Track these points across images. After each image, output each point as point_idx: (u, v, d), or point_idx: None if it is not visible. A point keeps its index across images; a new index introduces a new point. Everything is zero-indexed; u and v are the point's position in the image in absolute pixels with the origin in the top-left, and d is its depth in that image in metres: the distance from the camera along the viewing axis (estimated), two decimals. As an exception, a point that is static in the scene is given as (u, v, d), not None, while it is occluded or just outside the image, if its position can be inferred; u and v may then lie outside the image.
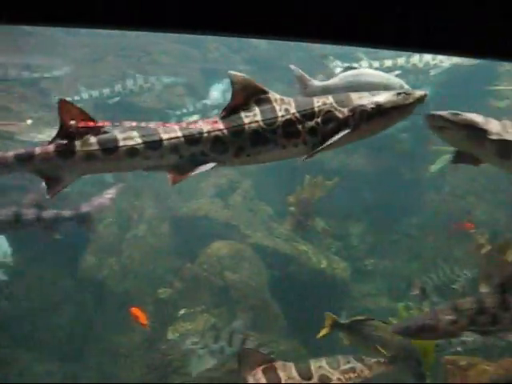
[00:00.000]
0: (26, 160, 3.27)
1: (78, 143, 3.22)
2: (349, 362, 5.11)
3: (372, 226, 10.94)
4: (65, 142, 3.21)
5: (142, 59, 11.92)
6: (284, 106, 3.20)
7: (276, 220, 10.41)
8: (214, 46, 12.35)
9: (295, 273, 9.60)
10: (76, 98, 10.50)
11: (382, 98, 3.22)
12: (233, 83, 3.26)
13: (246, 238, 9.72)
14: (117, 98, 10.83)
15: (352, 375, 5.03)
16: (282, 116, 3.18)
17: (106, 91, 10.92)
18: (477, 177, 10.02)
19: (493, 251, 7.45)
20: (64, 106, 3.16)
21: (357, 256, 10.80)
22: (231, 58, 12.59)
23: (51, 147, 3.24)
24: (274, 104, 3.18)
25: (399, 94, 3.27)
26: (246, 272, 9.19)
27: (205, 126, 3.22)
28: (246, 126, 3.19)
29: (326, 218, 10.51)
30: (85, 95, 10.78)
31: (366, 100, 3.19)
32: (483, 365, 5.85)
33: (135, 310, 8.34)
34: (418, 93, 3.33)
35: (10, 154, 3.31)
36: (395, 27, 1.68)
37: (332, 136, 3.14)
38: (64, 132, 3.20)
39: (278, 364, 4.81)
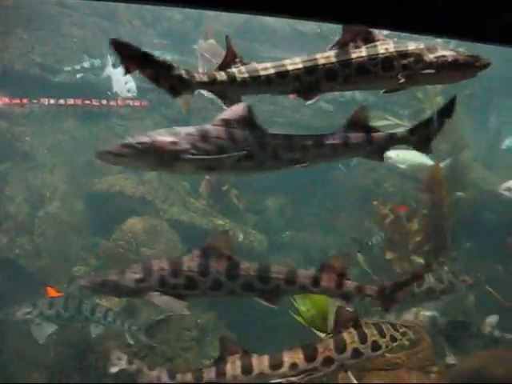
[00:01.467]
0: (209, 84, 3.77)
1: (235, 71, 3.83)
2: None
3: (288, 200, 11.15)
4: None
5: (53, 32, 11.54)
6: (384, 45, 3.82)
7: (192, 195, 10.41)
8: (127, 18, 12.09)
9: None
10: None
11: (461, 56, 3.84)
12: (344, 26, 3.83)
13: (161, 213, 9.70)
14: None
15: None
16: (382, 53, 3.81)
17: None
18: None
19: (397, 220, 7.77)
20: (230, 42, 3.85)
21: (274, 229, 10.98)
22: (145, 30, 12.39)
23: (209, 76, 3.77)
24: (377, 42, 3.81)
25: (472, 56, 3.82)
26: (161, 247, 9.19)
27: (320, 59, 3.85)
28: (354, 60, 3.82)
29: (243, 192, 10.61)
30: None
31: (448, 53, 3.85)
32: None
33: (51, 291, 8.20)
34: (485, 60, 3.85)
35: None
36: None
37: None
38: (225, 64, 3.85)
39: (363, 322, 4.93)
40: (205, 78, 3.76)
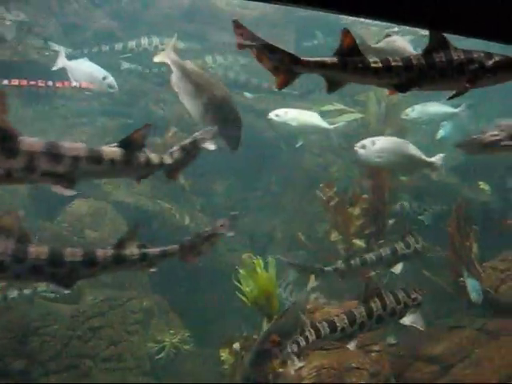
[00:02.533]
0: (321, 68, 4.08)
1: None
2: None
3: (235, 184, 11.20)
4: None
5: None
6: (457, 52, 4.40)
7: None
8: (74, -3, 11.82)
9: (158, 229, 9.66)
10: None
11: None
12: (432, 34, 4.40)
13: (107, 195, 9.61)
14: None
15: None
16: (456, 59, 4.38)
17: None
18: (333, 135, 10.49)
19: (341, 204, 7.94)
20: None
21: (221, 213, 11.01)
22: (92, 10, 12.14)
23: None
24: (451, 50, 4.38)
25: None
26: (106, 230, 9.13)
27: (415, 60, 4.32)
28: (437, 63, 4.38)
29: (189, 175, 10.60)
30: None
31: (501, 58, 4.47)
32: (327, 307, 6.31)
33: None
34: None
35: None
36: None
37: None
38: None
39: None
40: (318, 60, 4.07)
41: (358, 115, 10.37)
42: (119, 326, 8.51)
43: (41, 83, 10.12)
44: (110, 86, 10.08)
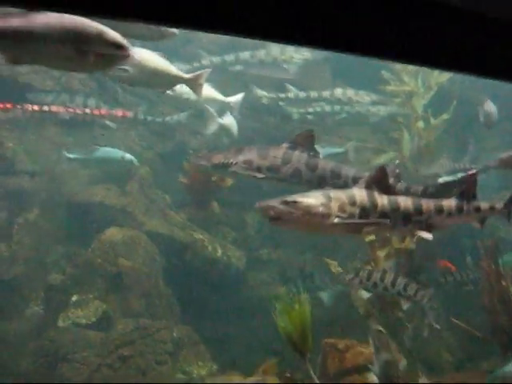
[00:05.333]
0: None
1: None
2: None
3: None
4: None
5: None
6: None
7: (173, 208, 10.45)
8: None
9: (191, 261, 9.71)
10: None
11: None
12: None
13: (141, 225, 9.71)
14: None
15: None
16: None
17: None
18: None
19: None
20: None
21: (252, 245, 11.03)
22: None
23: None
24: None
25: None
26: (139, 259, 9.19)
27: None
28: None
29: (223, 207, 10.67)
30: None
31: None
32: (359, 347, 6.23)
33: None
34: None
35: None
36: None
37: None
38: None
39: None
40: None
41: (393, 154, 10.32)
42: (149, 356, 8.51)
43: (79, 110, 10.38)
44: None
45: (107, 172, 10.27)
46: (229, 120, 9.87)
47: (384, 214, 4.85)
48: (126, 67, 6.23)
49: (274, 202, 4.49)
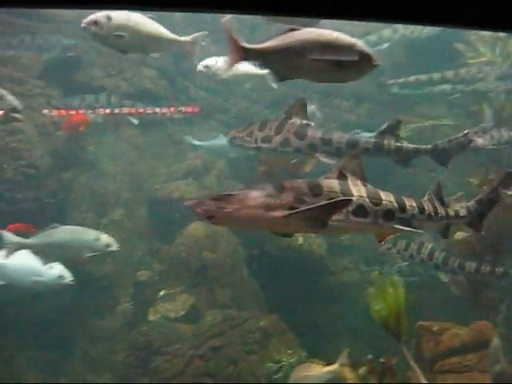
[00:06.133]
0: None
1: None
2: None
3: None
4: None
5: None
6: None
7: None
8: None
9: (272, 250, 9.73)
10: None
11: None
12: None
13: (223, 217, 9.78)
14: None
15: None
16: None
17: None
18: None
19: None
20: None
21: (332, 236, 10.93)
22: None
23: None
24: None
25: None
26: (223, 251, 9.31)
27: None
28: None
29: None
30: None
31: None
32: (455, 329, 6.07)
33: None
34: None
35: None
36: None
37: None
38: None
39: None
40: None
41: None
42: (238, 346, 8.61)
43: (149, 110, 10.58)
44: None
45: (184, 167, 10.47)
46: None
47: (361, 208, 4.13)
48: (122, 33, 6.40)
49: (203, 199, 3.91)
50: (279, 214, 3.85)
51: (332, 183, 4.16)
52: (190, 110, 10.93)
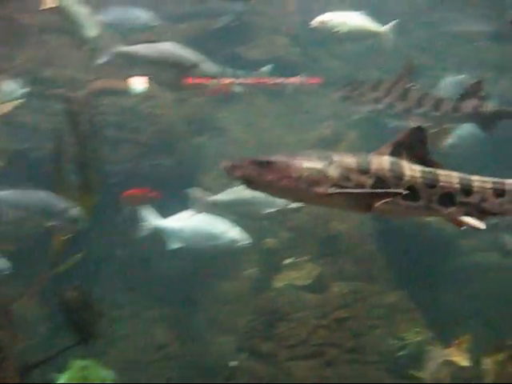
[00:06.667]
0: None
1: None
2: None
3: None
4: None
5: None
6: None
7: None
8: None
9: (401, 225, 9.49)
10: None
11: None
12: None
13: (352, 188, 9.63)
14: None
15: None
16: None
17: None
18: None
19: None
20: None
21: (465, 210, 10.47)
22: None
23: None
24: None
25: None
26: (351, 223, 9.17)
27: None
28: None
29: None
30: None
31: None
32: None
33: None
34: None
35: None
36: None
37: None
38: None
39: None
40: None
41: None
42: (363, 320, 8.51)
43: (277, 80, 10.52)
44: None
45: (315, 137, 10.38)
46: None
47: (413, 190, 3.63)
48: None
49: (243, 161, 3.57)
50: (322, 190, 3.51)
51: (382, 160, 3.67)
52: (312, 80, 10.78)
